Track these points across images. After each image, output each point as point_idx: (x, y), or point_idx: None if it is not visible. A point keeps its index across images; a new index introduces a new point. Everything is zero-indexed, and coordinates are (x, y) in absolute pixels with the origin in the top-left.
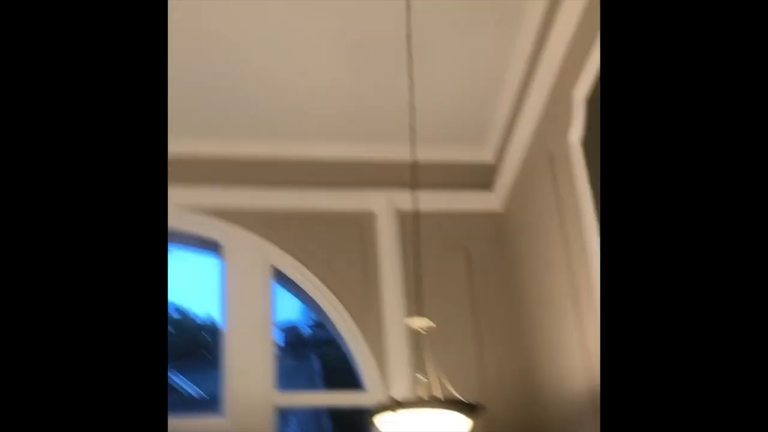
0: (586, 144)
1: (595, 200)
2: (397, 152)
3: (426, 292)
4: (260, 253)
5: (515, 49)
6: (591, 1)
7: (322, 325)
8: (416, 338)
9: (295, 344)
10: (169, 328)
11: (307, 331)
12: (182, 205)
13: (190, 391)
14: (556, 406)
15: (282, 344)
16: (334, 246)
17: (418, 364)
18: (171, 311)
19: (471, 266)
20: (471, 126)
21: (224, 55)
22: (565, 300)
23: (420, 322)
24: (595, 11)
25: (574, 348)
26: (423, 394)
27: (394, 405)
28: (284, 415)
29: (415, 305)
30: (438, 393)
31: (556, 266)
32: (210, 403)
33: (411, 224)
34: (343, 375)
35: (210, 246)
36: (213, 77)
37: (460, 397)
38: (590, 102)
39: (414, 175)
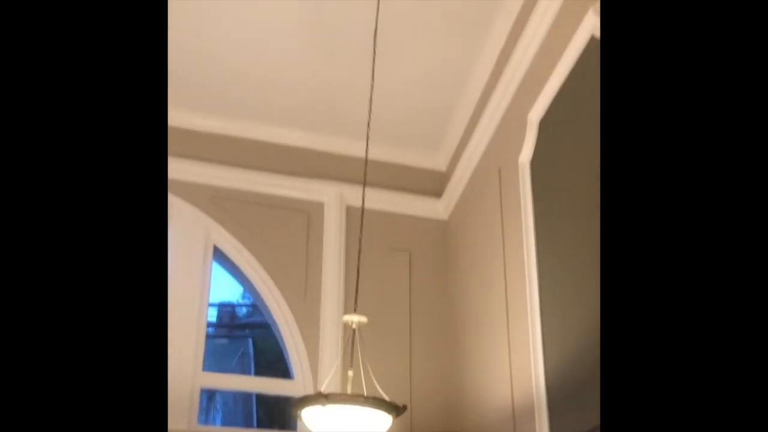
0: (534, 164)
1: (537, 219)
2: (353, 148)
3: (366, 290)
4: (202, 229)
5: (477, 65)
6: (554, 29)
7: (258, 307)
8: (350, 333)
9: (229, 324)
10: None
11: (242, 312)
12: None
13: None
14: (477, 416)
15: (216, 323)
16: (279, 231)
17: (350, 360)
18: None
19: (411, 269)
20: (427, 133)
21: (189, 28)
22: (498, 314)
23: (354, 318)
24: (557, 38)
25: (502, 361)
26: (350, 389)
27: (320, 398)
28: (212, 393)
29: (353, 300)
30: (365, 390)
31: (494, 280)
32: None
33: (358, 220)
34: (274, 361)
35: None
36: (176, 48)
37: (385, 397)
38: (542, 125)
39: (365, 172)
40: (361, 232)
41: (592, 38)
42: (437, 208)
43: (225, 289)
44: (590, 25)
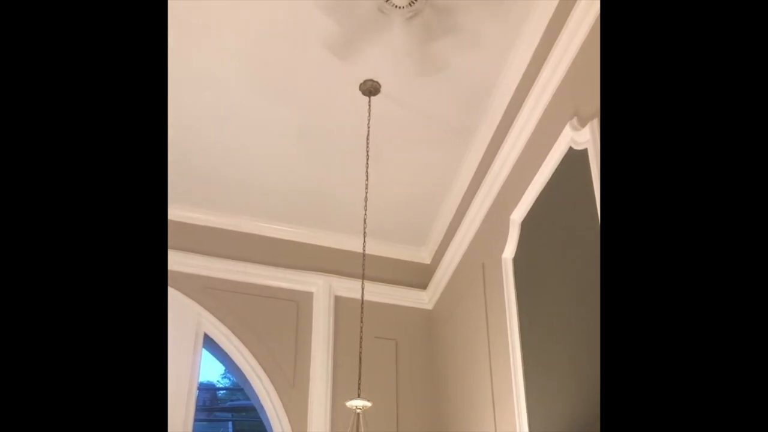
0: (517, 261)
1: (521, 311)
2: (341, 241)
3: (355, 376)
4: (193, 317)
5: (461, 169)
6: (533, 139)
7: (239, 389)
8: (354, 418)
9: (211, 406)
10: None
11: (224, 394)
12: None
13: None
14: None
15: (198, 405)
16: (269, 320)
17: None
18: None
19: (398, 356)
20: (413, 229)
21: (190, 128)
22: (485, 402)
23: (358, 402)
24: (536, 148)
25: None
26: None
27: None
28: None
29: (341, 387)
30: None
31: (479, 368)
32: None
33: (345, 309)
34: None
35: None
36: (176, 146)
37: None
38: (524, 225)
39: (364, 266)
40: (362, 322)
41: (570, 149)
42: (422, 299)
43: (205, 370)
44: (568, 137)
